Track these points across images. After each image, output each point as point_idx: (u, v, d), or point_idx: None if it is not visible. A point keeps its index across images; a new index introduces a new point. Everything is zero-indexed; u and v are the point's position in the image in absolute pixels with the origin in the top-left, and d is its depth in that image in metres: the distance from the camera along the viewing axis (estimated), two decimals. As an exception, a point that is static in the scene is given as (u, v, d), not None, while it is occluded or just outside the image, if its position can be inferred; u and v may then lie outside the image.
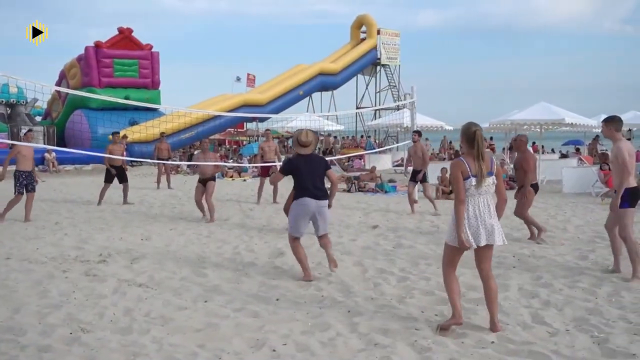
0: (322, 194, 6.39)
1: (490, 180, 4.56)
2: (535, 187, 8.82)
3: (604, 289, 5.89)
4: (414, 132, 12.34)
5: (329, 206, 6.52)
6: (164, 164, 17.07)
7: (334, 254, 6.58)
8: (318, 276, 6.49)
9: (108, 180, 13.18)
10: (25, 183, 10.55)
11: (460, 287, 5.04)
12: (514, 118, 18.08)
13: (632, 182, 6.28)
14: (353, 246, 8.24)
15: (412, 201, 11.72)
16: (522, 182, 8.60)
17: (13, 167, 10.58)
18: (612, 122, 6.37)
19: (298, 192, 6.41)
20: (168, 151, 17.86)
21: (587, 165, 18.49)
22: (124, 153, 14.49)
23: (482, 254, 4.68)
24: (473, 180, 4.50)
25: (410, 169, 12.08)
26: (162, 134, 18.98)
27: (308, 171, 6.37)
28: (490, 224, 4.54)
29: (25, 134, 10.70)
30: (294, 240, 6.48)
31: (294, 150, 6.74)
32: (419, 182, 11.71)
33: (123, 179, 13.22)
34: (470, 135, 4.55)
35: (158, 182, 17.18)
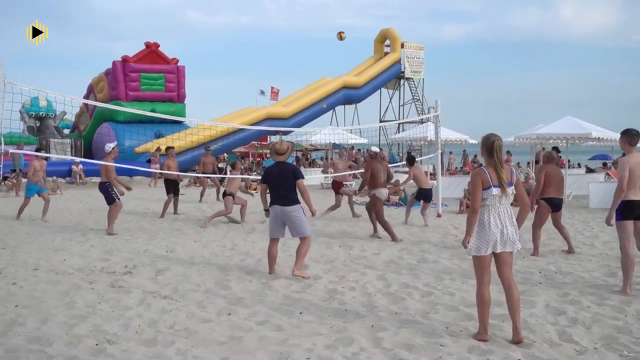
0: (288, 202, 7.05)
1: (510, 190, 4.71)
2: (551, 203, 8.58)
3: (634, 306, 5.78)
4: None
5: (313, 213, 7.44)
6: (206, 177, 17.09)
7: (302, 264, 7.21)
8: (342, 290, 6.48)
9: (169, 192, 13.35)
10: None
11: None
12: (539, 132, 17.91)
13: (630, 196, 6.17)
14: (376, 260, 8.21)
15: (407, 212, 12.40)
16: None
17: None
18: (625, 135, 6.38)
19: (270, 200, 7.21)
20: (213, 165, 17.85)
21: (614, 181, 18.20)
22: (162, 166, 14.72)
23: (502, 260, 4.78)
24: (494, 190, 4.65)
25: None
26: (207, 148, 19.07)
27: (277, 179, 7.08)
28: (510, 231, 4.70)
29: (113, 149, 10.87)
30: (270, 240, 7.33)
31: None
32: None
33: (176, 192, 13.52)
34: (490, 145, 4.73)
35: (201, 195, 17.07)
